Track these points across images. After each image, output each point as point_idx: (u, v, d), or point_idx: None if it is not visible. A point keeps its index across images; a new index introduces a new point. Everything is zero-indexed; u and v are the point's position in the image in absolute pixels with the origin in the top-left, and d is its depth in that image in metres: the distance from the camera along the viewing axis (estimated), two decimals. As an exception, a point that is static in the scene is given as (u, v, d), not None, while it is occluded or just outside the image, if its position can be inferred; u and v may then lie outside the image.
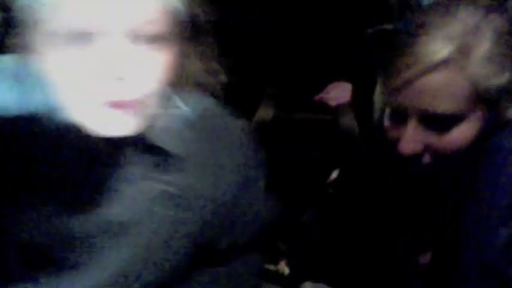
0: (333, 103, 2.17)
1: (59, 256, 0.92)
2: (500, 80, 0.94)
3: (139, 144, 0.92)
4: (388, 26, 2.03)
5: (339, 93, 2.18)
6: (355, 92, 2.13)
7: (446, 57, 0.93)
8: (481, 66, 0.94)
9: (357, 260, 1.11)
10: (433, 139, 0.96)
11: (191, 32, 0.93)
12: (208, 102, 1.00)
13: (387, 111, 1.02)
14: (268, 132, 2.11)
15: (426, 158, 0.98)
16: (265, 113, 2.16)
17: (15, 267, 0.93)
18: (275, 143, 2.12)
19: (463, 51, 0.93)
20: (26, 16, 0.84)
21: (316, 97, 2.22)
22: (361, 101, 2.06)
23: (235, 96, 1.31)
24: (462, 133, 0.96)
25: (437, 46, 0.94)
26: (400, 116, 0.98)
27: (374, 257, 1.09)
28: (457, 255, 1.00)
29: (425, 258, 1.07)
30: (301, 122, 2.16)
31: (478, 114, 0.96)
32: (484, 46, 0.94)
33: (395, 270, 1.07)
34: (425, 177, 1.01)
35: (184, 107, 0.96)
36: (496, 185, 0.97)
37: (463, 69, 0.94)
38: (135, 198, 0.92)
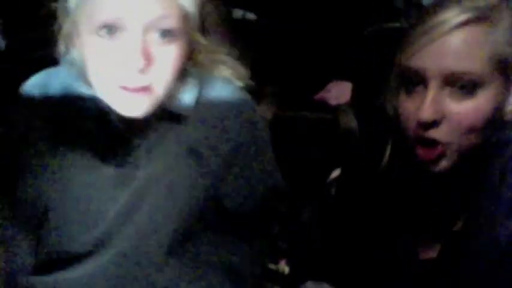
0: (333, 102, 2.18)
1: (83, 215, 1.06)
2: None
3: (161, 113, 1.07)
4: (388, 25, 2.03)
5: (339, 92, 2.18)
6: (355, 91, 2.13)
7: (470, 19, 0.96)
8: (502, 33, 0.97)
9: (357, 259, 1.11)
10: (453, 105, 0.96)
11: (202, 27, 1.07)
12: (218, 78, 1.14)
13: (401, 91, 1.02)
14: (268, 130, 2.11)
15: (443, 129, 0.97)
16: (265, 111, 2.16)
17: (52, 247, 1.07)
18: (275, 142, 2.12)
19: (486, 17, 0.97)
20: (67, 14, 1.03)
21: (317, 96, 2.22)
22: (361, 100, 2.06)
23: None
24: (481, 102, 0.96)
25: (461, 9, 0.97)
26: (419, 84, 0.98)
27: (374, 256, 1.09)
28: (464, 250, 1.00)
29: (426, 256, 1.06)
30: (301, 121, 2.16)
31: (496, 84, 0.97)
32: (505, 17, 0.98)
33: (396, 269, 1.07)
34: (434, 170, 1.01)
35: (195, 81, 1.11)
36: (503, 179, 0.97)
37: (486, 32, 0.96)
38: (158, 156, 1.08)
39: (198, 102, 1.10)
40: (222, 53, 1.16)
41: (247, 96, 1.15)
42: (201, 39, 1.10)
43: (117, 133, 1.07)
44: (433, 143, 0.98)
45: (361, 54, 2.07)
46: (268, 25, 2.25)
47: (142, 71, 0.98)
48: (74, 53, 1.06)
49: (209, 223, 1.09)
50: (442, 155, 0.99)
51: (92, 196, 1.07)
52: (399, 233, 1.08)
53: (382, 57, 1.12)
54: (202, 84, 1.11)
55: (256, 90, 2.28)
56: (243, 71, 1.17)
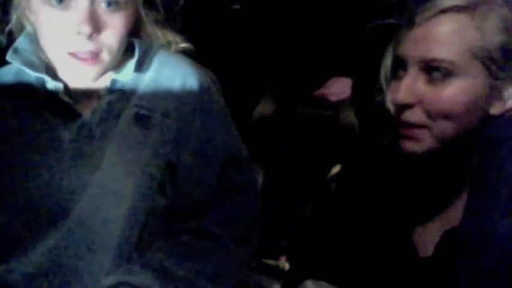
0: (333, 98, 2.17)
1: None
2: (502, 41, 0.97)
3: (109, 84, 1.16)
4: (388, 21, 2.02)
5: (339, 88, 2.17)
6: (355, 87, 2.12)
7: (453, 7, 0.97)
8: (488, 25, 0.97)
9: (356, 257, 1.11)
10: (428, 91, 0.98)
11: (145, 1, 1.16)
12: (163, 48, 1.22)
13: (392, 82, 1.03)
14: (268, 128, 2.11)
15: (417, 112, 0.99)
16: (265, 108, 2.16)
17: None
18: (275, 138, 2.12)
19: (472, 7, 0.97)
20: None
21: (317, 92, 2.22)
22: (361, 96, 2.06)
23: (236, 91, 1.32)
24: (455, 90, 0.97)
25: None
26: (402, 69, 1.00)
27: (374, 253, 1.09)
28: (462, 248, 1.00)
29: (425, 254, 1.07)
30: (301, 117, 2.16)
31: (477, 75, 0.97)
32: (493, 8, 0.98)
33: (396, 267, 1.07)
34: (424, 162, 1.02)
35: (140, 53, 1.17)
36: (500, 175, 0.98)
37: (469, 22, 0.97)
38: (109, 125, 1.14)
39: (143, 71, 1.18)
40: (165, 28, 1.24)
41: (196, 65, 1.21)
42: (145, 15, 1.18)
43: (67, 109, 1.15)
44: (408, 125, 1.00)
45: (361, 51, 2.07)
46: (268, 22, 2.24)
47: (90, 37, 1.07)
48: (28, 27, 1.16)
49: (167, 199, 1.14)
50: (417, 137, 1.00)
51: (48, 173, 1.12)
52: (399, 230, 1.08)
53: (382, 53, 1.12)
54: (148, 55, 1.19)
55: (256, 87, 2.29)
56: (182, 40, 1.25)
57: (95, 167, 1.12)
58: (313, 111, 2.16)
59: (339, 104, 2.12)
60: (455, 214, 1.04)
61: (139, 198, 1.11)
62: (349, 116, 2.06)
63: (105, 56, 1.12)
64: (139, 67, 1.18)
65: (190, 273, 1.10)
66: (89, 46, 1.09)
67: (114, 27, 1.10)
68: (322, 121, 2.11)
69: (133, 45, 1.18)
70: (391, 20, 1.06)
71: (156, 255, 1.11)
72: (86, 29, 1.06)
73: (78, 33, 1.07)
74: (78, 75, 1.13)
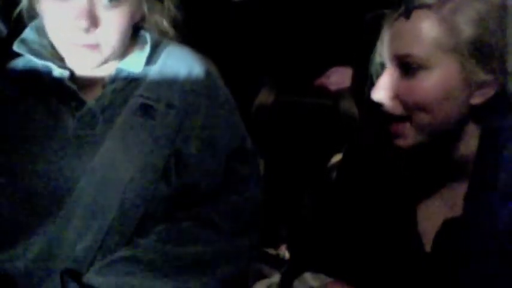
0: (333, 88, 2.17)
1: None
2: (473, 35, 0.97)
3: (114, 74, 1.18)
4: (387, 11, 2.02)
5: (339, 78, 2.17)
6: (355, 77, 2.12)
7: (422, 4, 0.99)
8: (454, 18, 0.98)
9: (357, 246, 1.11)
10: (403, 85, 1.00)
11: None
12: (171, 41, 1.24)
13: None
14: (269, 117, 2.12)
15: (395, 105, 1.00)
16: (265, 97, 2.16)
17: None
18: (275, 127, 2.13)
19: (441, 2, 0.99)
20: None
21: (317, 82, 2.22)
22: (361, 86, 2.06)
23: (236, 81, 1.32)
24: (428, 83, 0.99)
25: None
26: (385, 65, 1.04)
27: (376, 242, 1.09)
28: (463, 239, 1.01)
29: (429, 243, 1.07)
30: (301, 107, 2.16)
31: (446, 67, 0.98)
32: (464, 3, 0.98)
33: (398, 259, 1.07)
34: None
35: (147, 43, 1.20)
36: (499, 164, 0.98)
37: (437, 16, 0.98)
38: (112, 114, 1.15)
39: (151, 63, 1.19)
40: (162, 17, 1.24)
41: (201, 56, 1.23)
42: (149, 9, 1.19)
43: (73, 96, 1.17)
44: (389, 118, 1.02)
45: (362, 40, 2.07)
46: (268, 12, 2.24)
47: (87, 30, 1.09)
48: (39, 20, 1.17)
49: (171, 186, 1.15)
50: (400, 132, 1.02)
51: (52, 159, 1.14)
52: (401, 220, 1.08)
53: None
54: (154, 46, 1.20)
55: (256, 77, 2.29)
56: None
57: (94, 151, 1.14)
58: (313, 101, 2.16)
59: (339, 94, 2.12)
60: (458, 205, 1.05)
61: (139, 185, 1.12)
62: (349, 106, 2.06)
63: (105, 49, 1.13)
64: (144, 59, 1.19)
65: (172, 266, 1.11)
66: (87, 40, 1.11)
67: (113, 22, 1.12)
68: (322, 110, 2.11)
69: (140, 34, 1.20)
70: (390, 11, 1.07)
71: (146, 243, 1.12)
72: (83, 23, 1.08)
73: (76, 27, 1.09)
74: (81, 60, 1.14)
